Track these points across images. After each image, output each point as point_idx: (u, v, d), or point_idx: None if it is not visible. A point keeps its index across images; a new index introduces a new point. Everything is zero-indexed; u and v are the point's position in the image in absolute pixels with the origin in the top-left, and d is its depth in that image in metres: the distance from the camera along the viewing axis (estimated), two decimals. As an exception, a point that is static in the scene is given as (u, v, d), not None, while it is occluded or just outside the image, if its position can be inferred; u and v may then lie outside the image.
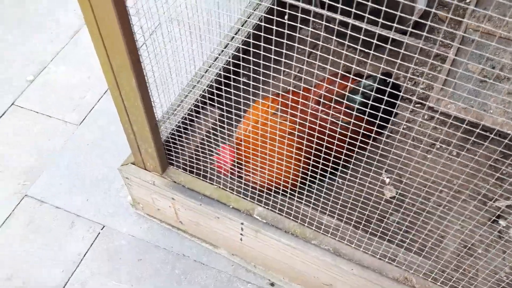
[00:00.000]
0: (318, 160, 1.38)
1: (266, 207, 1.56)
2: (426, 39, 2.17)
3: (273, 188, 1.61)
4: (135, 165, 1.65)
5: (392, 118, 1.57)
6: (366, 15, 0.99)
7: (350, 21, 1.04)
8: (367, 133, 1.41)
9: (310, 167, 1.42)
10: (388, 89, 1.15)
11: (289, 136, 1.49)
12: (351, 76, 1.24)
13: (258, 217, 1.54)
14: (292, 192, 1.61)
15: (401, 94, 1.53)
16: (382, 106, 1.12)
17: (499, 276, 1.61)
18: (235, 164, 1.56)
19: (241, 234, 1.60)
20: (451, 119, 1.85)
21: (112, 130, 2.22)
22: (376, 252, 1.46)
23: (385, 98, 1.11)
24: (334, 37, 1.13)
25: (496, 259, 1.65)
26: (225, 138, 1.72)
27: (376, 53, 1.04)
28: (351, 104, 1.60)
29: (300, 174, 1.57)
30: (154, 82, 1.41)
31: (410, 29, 0.95)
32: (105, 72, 1.25)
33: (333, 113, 1.61)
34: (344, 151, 1.30)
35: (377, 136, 1.50)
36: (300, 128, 1.34)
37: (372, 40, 1.01)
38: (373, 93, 1.32)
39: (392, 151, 1.78)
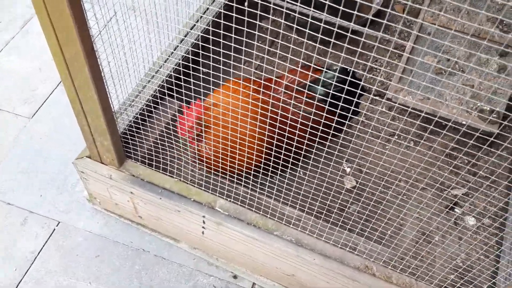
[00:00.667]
0: (280, 145, 1.37)
1: (228, 199, 1.54)
2: (385, 31, 2.20)
3: (234, 169, 1.60)
4: (90, 159, 1.59)
5: (353, 108, 1.58)
6: (328, 2, 0.98)
7: (310, 12, 1.03)
8: (328, 123, 1.41)
9: (273, 152, 1.41)
10: (349, 79, 1.15)
11: (259, 117, 1.46)
12: (313, 66, 1.23)
13: (220, 209, 1.52)
14: (254, 182, 1.59)
15: (361, 83, 1.54)
16: (343, 96, 1.12)
17: (455, 262, 1.66)
18: (201, 127, 1.50)
19: (203, 227, 1.58)
20: (410, 110, 1.89)
21: (66, 123, 2.14)
22: (338, 242, 1.47)
23: (346, 87, 1.11)
24: (294, 25, 1.12)
25: (453, 245, 1.71)
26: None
27: (336, 42, 1.04)
28: (312, 93, 1.60)
29: (263, 156, 1.56)
30: (110, 72, 1.36)
31: (370, 17, 0.95)
32: (57, 62, 1.19)
33: (294, 103, 1.61)
34: (305, 141, 1.29)
35: (339, 127, 1.51)
36: (263, 112, 1.33)
37: (332, 29, 1.01)
38: (333, 83, 1.32)
39: (352, 140, 1.80)
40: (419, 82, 1.67)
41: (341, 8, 0.95)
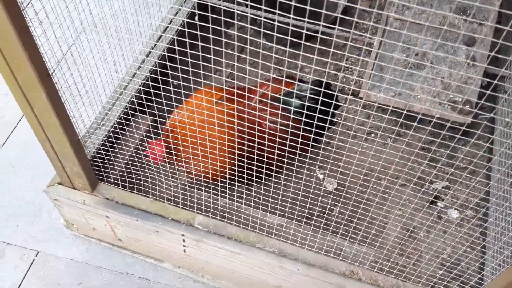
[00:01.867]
0: (252, 156, 1.35)
1: (207, 214, 1.51)
2: (352, 31, 2.19)
3: (208, 176, 1.59)
4: (62, 185, 1.55)
5: (329, 119, 1.56)
6: (293, 3, 0.96)
7: (275, 17, 1.01)
8: (306, 135, 1.40)
9: (245, 161, 1.38)
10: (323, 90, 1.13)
11: (228, 125, 1.45)
12: (285, 79, 1.21)
13: (199, 226, 1.49)
14: (232, 192, 1.56)
15: (335, 93, 1.52)
16: (318, 107, 1.09)
17: (442, 257, 1.65)
18: (167, 154, 1.55)
19: (184, 246, 1.54)
20: (382, 110, 1.88)
21: (38, 149, 2.08)
22: (321, 248, 1.44)
23: (318, 107, 1.08)
24: (262, 30, 1.09)
25: (438, 239, 1.69)
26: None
27: (306, 43, 1.01)
28: (285, 106, 1.58)
29: (235, 163, 1.53)
30: (72, 96, 1.32)
31: (339, 15, 0.93)
32: (13, 90, 1.15)
33: (269, 116, 1.58)
34: (276, 152, 1.27)
35: (317, 137, 1.49)
36: (235, 121, 1.31)
37: (300, 31, 0.98)
38: (307, 95, 1.30)
39: (330, 142, 1.78)
40: (389, 78, 1.66)
41: (307, 7, 0.92)
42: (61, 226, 1.88)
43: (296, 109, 1.56)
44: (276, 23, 1.00)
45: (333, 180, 1.90)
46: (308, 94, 1.54)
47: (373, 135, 1.96)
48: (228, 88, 1.64)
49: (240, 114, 1.45)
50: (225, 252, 1.46)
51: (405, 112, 0.97)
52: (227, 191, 1.55)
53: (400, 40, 1.77)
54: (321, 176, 1.89)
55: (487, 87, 1.69)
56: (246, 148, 1.34)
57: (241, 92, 1.60)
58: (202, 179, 1.66)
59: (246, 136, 1.41)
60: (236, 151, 1.47)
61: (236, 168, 1.44)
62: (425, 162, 1.64)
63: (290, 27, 0.98)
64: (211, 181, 1.64)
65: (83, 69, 1.35)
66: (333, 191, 1.86)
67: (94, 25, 1.34)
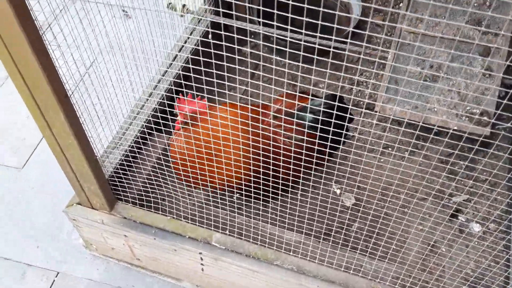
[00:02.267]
0: (267, 172, 1.34)
1: (224, 232, 1.50)
2: (367, 42, 2.19)
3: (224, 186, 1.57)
4: (81, 205, 1.56)
5: (344, 132, 1.55)
6: (306, 19, 0.97)
7: (288, 34, 1.02)
8: (321, 149, 1.39)
9: (261, 176, 1.38)
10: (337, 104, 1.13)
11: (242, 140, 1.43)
12: (298, 94, 1.21)
13: (216, 244, 1.48)
14: (249, 209, 1.56)
15: (348, 115, 1.52)
16: (332, 121, 1.09)
17: (465, 271, 1.61)
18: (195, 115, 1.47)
19: (201, 264, 1.53)
20: (398, 123, 1.86)
21: (57, 170, 2.10)
22: (340, 265, 1.42)
23: (333, 121, 1.08)
24: (274, 46, 1.10)
25: (461, 253, 1.66)
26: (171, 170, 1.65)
27: (320, 58, 1.02)
28: (299, 121, 1.58)
29: (252, 174, 1.51)
30: (89, 116, 1.34)
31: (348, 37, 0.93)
32: (32, 112, 1.17)
33: (284, 132, 1.58)
34: (292, 167, 1.27)
35: (333, 152, 1.48)
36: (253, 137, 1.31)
37: (314, 47, 0.99)
38: (322, 109, 1.30)
39: (347, 157, 1.77)
40: (405, 90, 1.65)
41: (319, 23, 0.93)
42: (80, 246, 1.89)
43: (311, 124, 1.56)
44: (288, 38, 1.00)
45: (351, 195, 1.88)
46: (321, 109, 1.54)
47: (390, 149, 1.94)
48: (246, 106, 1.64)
49: (255, 130, 1.45)
50: (243, 270, 1.45)
51: (421, 124, 0.96)
52: (244, 208, 1.55)
53: (414, 53, 1.77)
54: (338, 191, 1.87)
55: (504, 98, 1.67)
56: (261, 164, 1.33)
57: (256, 109, 1.61)
58: (218, 191, 1.64)
59: (261, 152, 1.41)
60: (251, 162, 1.46)
61: (253, 185, 1.44)
62: (444, 175, 1.61)
63: (302, 43, 0.99)
64: (228, 190, 1.61)
65: (100, 89, 1.37)
66: (350, 206, 1.84)
67: (111, 46, 1.37)
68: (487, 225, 1.73)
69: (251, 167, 1.43)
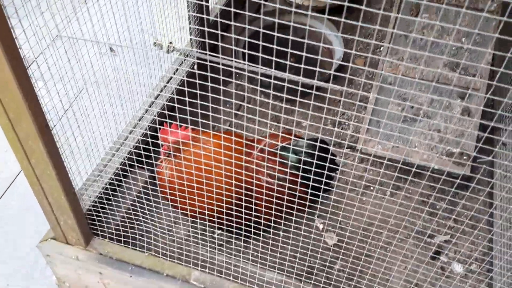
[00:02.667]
0: (248, 204, 1.33)
1: (203, 270, 1.46)
2: (348, 85, 2.24)
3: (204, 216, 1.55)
4: (55, 240, 1.51)
5: (326, 181, 1.55)
6: (289, 63, 0.99)
7: (272, 72, 1.05)
8: (303, 192, 1.39)
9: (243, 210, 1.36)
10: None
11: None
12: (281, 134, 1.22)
13: (195, 282, 1.44)
14: (229, 248, 1.52)
15: (335, 158, 1.53)
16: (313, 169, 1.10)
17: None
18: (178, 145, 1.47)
19: (179, 303, 1.48)
20: (382, 160, 1.88)
21: (35, 205, 2.05)
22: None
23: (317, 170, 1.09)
24: (258, 88, 1.12)
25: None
26: (158, 200, 1.63)
27: (302, 100, 1.04)
28: (282, 160, 1.58)
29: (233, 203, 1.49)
30: (69, 148, 1.32)
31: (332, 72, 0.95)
32: (11, 141, 1.15)
33: (259, 169, 1.57)
34: (273, 206, 1.26)
35: (315, 199, 1.47)
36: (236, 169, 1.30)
37: (297, 88, 1.01)
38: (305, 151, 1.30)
39: (328, 197, 1.76)
40: (385, 132, 1.68)
41: (302, 66, 0.96)
42: (53, 285, 1.82)
43: (293, 164, 1.56)
44: (272, 80, 1.03)
45: (333, 235, 1.86)
46: (304, 150, 1.54)
47: (371, 188, 1.95)
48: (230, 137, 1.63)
49: (238, 162, 1.45)
50: (223, 309, 1.41)
51: (400, 165, 0.97)
52: (225, 245, 1.52)
53: (395, 94, 1.81)
54: (321, 226, 1.85)
55: (484, 140, 1.71)
56: (243, 197, 1.32)
57: (239, 140, 1.60)
58: (199, 220, 1.62)
59: (243, 184, 1.40)
60: (233, 194, 1.44)
61: (234, 219, 1.41)
62: (423, 216, 1.62)
63: (286, 84, 1.02)
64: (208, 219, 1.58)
65: (82, 121, 1.36)
66: (332, 246, 1.81)
67: (95, 78, 1.37)
68: (469, 264, 1.72)
69: (233, 199, 1.42)
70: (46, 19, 1.13)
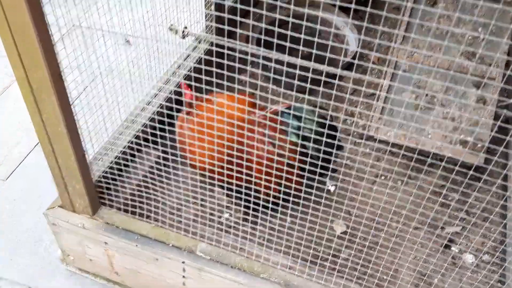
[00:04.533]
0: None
1: (210, 242, 1.44)
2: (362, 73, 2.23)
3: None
4: (62, 208, 1.50)
5: (336, 143, 1.54)
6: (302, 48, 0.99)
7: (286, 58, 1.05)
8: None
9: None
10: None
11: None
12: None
13: (201, 253, 1.41)
14: (238, 229, 1.50)
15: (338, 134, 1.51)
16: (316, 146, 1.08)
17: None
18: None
19: (183, 276, 1.45)
20: (391, 147, 1.85)
21: (42, 185, 2.05)
22: (329, 286, 1.35)
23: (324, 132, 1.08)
24: (271, 75, 1.12)
25: (455, 284, 1.59)
26: (168, 177, 1.62)
27: (313, 87, 1.03)
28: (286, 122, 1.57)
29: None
30: (82, 110, 1.32)
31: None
32: (24, 93, 1.15)
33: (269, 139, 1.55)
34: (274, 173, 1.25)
35: (324, 169, 1.45)
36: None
37: (308, 75, 1.02)
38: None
39: (345, 187, 1.74)
40: (397, 120, 1.66)
41: (314, 51, 0.97)
42: (56, 260, 1.80)
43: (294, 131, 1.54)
44: (285, 65, 1.04)
45: (342, 222, 1.83)
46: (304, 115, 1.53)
47: (383, 178, 1.92)
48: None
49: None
50: (228, 281, 1.38)
51: (413, 154, 0.95)
52: (232, 228, 1.49)
53: (410, 82, 1.79)
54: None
55: (498, 130, 1.68)
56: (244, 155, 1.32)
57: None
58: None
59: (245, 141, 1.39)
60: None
61: (235, 176, 1.39)
62: (435, 207, 1.59)
63: (297, 72, 1.03)
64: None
65: (92, 90, 1.37)
66: (341, 234, 1.78)
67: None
68: (481, 257, 1.68)
69: (232, 158, 1.40)
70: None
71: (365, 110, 2.14)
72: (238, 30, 1.11)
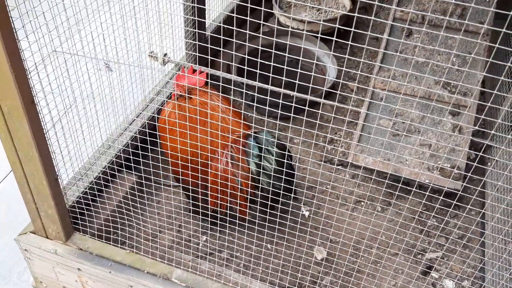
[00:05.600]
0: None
1: (186, 269, 1.41)
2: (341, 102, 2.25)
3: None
4: (35, 234, 1.47)
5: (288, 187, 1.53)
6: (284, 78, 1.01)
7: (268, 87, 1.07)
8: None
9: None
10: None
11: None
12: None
13: (177, 280, 1.38)
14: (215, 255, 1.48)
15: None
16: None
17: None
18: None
19: (158, 305, 1.42)
20: (370, 174, 1.86)
21: (16, 211, 2.01)
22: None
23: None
24: (254, 104, 1.15)
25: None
26: (144, 202, 1.60)
27: (296, 116, 1.04)
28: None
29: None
30: (53, 129, 1.30)
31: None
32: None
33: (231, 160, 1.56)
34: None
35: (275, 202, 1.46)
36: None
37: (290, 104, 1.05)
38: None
39: (321, 213, 1.73)
40: (377, 143, 1.67)
41: (296, 82, 0.99)
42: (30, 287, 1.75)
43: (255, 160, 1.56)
44: (268, 97, 1.07)
45: (323, 248, 1.82)
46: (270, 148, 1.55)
47: (362, 204, 1.92)
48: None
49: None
50: (203, 311, 1.35)
51: (390, 181, 0.96)
52: (208, 254, 1.47)
53: (386, 110, 1.82)
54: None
55: (475, 160, 1.71)
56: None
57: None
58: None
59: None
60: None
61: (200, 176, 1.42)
62: (413, 233, 1.59)
63: (281, 101, 1.06)
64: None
65: (72, 117, 1.36)
66: (321, 261, 1.77)
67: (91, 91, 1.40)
68: (461, 284, 1.67)
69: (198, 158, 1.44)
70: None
71: (343, 138, 2.16)
72: (220, 61, 1.14)
